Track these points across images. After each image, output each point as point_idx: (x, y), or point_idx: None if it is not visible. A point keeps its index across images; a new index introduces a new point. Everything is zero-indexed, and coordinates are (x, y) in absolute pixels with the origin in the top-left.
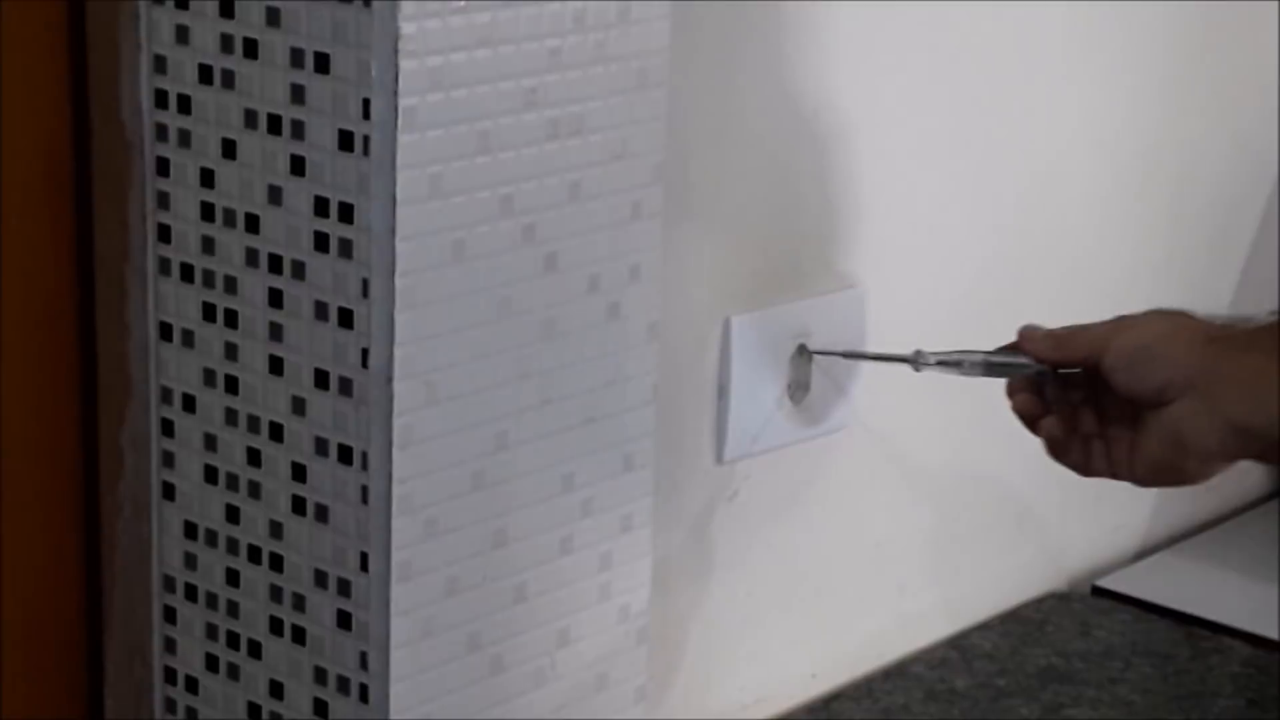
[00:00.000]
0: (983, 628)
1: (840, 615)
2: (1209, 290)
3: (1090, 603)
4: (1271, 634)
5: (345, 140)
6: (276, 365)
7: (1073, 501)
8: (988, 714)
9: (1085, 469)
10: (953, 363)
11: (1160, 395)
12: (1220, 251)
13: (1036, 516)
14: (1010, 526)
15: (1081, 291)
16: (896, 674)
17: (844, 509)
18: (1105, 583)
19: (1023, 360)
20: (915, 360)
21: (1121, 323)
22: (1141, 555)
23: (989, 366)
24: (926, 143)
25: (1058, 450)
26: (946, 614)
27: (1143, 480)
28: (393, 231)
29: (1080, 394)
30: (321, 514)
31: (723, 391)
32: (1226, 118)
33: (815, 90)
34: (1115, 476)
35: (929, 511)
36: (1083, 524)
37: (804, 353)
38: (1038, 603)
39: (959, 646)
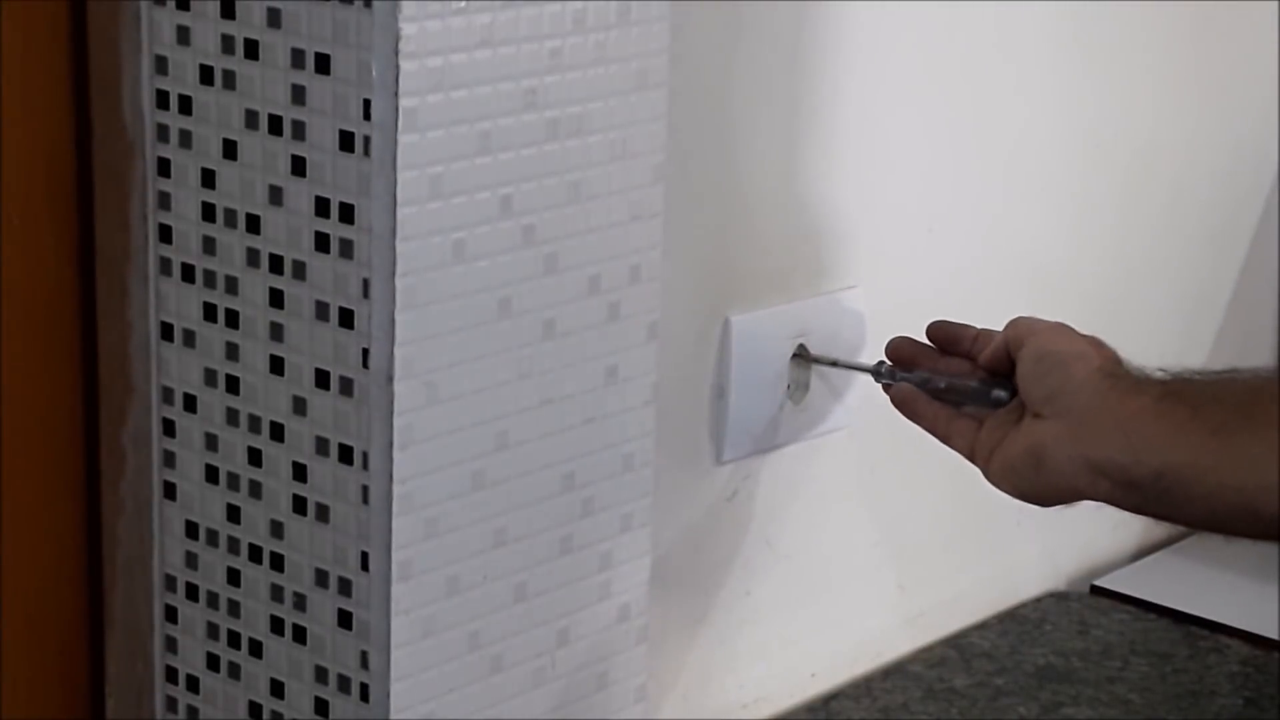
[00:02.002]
0: (981, 627)
1: (839, 614)
2: (1207, 291)
3: (1088, 602)
4: (1269, 633)
5: (346, 141)
6: (277, 365)
7: None
8: (986, 713)
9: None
10: (913, 382)
11: (1042, 405)
12: (1218, 252)
13: (1035, 516)
14: (1009, 526)
15: (1080, 292)
16: (896, 673)
17: (843, 508)
18: (1103, 582)
19: (973, 384)
20: (877, 372)
21: (1060, 326)
22: (1140, 555)
23: (948, 390)
24: (925, 143)
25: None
26: (945, 613)
27: (995, 475)
28: (393, 232)
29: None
30: (322, 514)
31: (722, 391)
32: (1225, 118)
33: (814, 91)
34: (973, 458)
35: (928, 511)
36: (1081, 523)
37: (803, 353)
38: (1036, 602)
39: (958, 645)
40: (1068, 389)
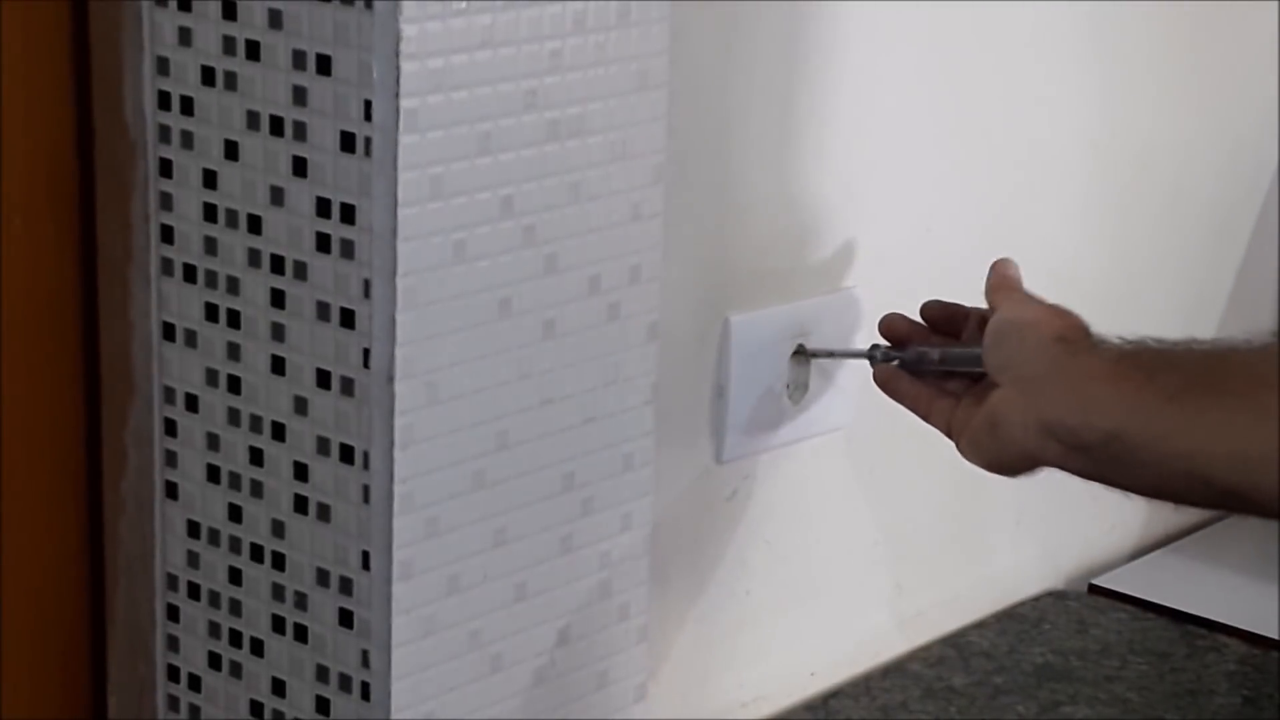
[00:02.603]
0: (980, 626)
1: (838, 614)
2: (1207, 290)
3: (1087, 601)
4: (1267, 632)
5: (347, 141)
6: (278, 365)
7: (1069, 500)
8: (985, 712)
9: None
10: (909, 359)
11: (1000, 373)
12: (1216, 252)
13: (1033, 515)
14: (1008, 525)
15: (1080, 291)
16: (895, 672)
17: (842, 508)
18: (1102, 581)
19: (976, 350)
20: (872, 355)
21: (1024, 297)
22: (1138, 554)
23: (942, 360)
24: (924, 143)
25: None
26: (944, 612)
27: (964, 447)
28: (394, 232)
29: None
30: (323, 513)
31: (721, 391)
32: (1223, 118)
33: (813, 91)
34: (949, 434)
35: (926, 510)
36: (1079, 522)
37: (803, 352)
38: (1035, 601)
39: (956, 645)
40: (1021, 355)
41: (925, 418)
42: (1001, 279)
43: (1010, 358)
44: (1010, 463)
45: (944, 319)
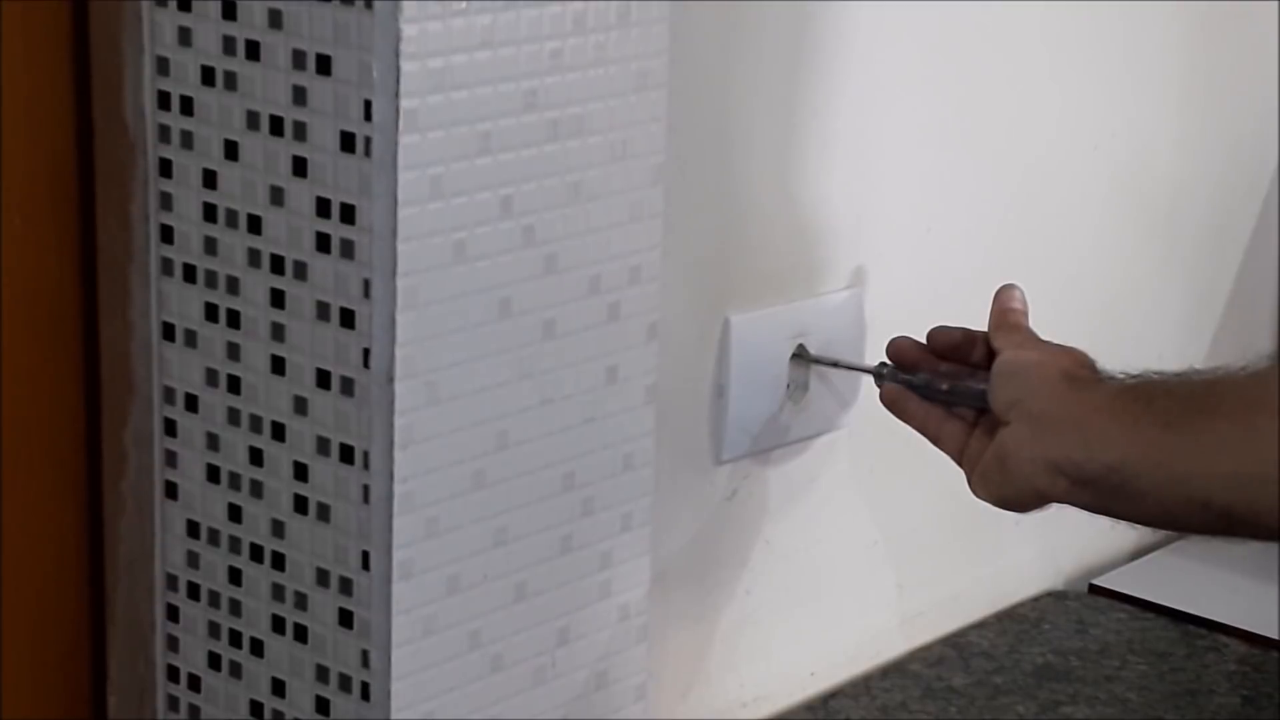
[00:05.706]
0: (980, 626)
1: (838, 613)
2: (1206, 291)
3: (1087, 601)
4: (1267, 632)
5: (347, 141)
6: (278, 365)
7: None
8: (985, 712)
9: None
10: (917, 384)
11: (1005, 413)
12: (1217, 252)
13: (1033, 515)
14: (1007, 525)
15: (1079, 292)
16: (895, 672)
17: (842, 508)
18: (1102, 581)
19: (977, 386)
20: (879, 373)
21: (1030, 339)
22: (1138, 554)
23: (950, 392)
24: (925, 143)
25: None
26: (944, 612)
27: (974, 483)
28: (394, 232)
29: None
30: (323, 513)
31: (722, 391)
32: (1224, 118)
33: (814, 91)
34: (959, 462)
35: (926, 510)
36: (1079, 522)
37: (803, 353)
38: (1034, 601)
39: (956, 645)
40: (1026, 394)
41: (935, 440)
42: (1003, 315)
43: (1018, 395)
44: (1020, 498)
45: (950, 346)
